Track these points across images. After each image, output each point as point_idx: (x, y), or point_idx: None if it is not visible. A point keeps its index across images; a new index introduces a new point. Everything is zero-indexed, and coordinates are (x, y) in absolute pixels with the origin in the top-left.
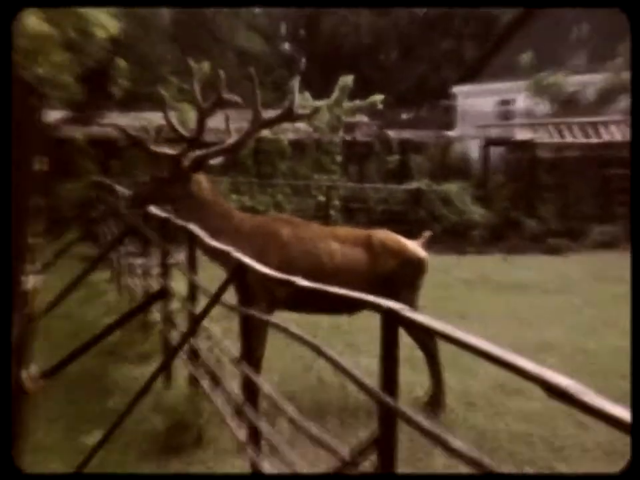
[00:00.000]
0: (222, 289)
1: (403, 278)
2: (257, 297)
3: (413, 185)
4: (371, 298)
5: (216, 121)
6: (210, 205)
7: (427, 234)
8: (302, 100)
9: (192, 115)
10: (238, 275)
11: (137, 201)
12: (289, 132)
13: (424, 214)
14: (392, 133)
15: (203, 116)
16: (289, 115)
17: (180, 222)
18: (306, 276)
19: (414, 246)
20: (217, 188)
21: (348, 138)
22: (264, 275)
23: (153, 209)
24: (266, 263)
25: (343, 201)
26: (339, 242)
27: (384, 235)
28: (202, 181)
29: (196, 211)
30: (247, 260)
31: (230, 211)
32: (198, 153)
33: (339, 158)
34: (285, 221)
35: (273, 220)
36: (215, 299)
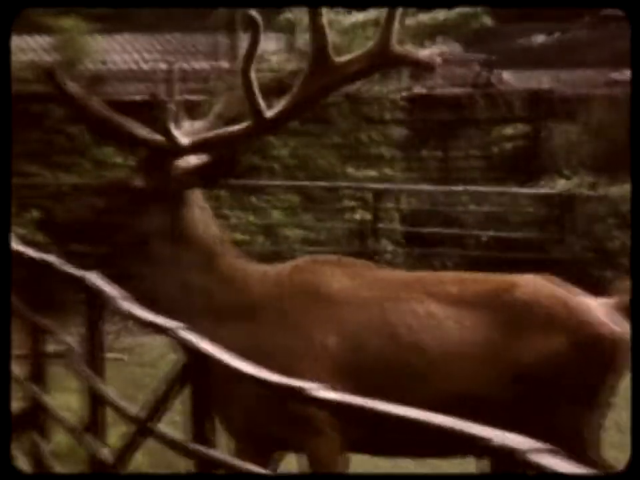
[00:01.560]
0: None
1: (573, 376)
2: (313, 434)
3: (559, 185)
4: (491, 434)
5: None
6: (211, 252)
7: (624, 285)
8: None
9: None
10: (193, 374)
11: (67, 231)
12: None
13: (586, 243)
14: (510, 78)
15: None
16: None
17: (70, 269)
18: (378, 373)
19: (599, 311)
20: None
21: (417, 90)
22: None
23: (18, 246)
24: (308, 354)
25: (407, 220)
26: (440, 302)
27: (535, 285)
28: (200, 204)
29: (182, 262)
30: (206, 346)
31: (242, 262)
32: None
33: (397, 133)
34: (334, 264)
35: (312, 264)
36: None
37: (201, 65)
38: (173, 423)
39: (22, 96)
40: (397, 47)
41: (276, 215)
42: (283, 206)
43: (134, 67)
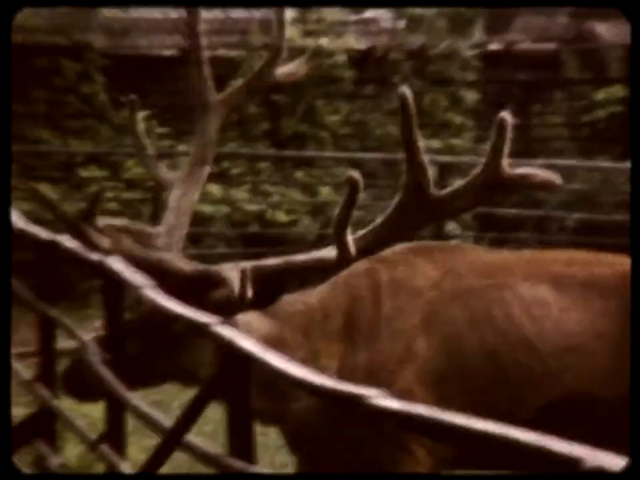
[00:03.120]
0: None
1: None
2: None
3: None
4: (582, 453)
5: None
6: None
7: None
8: None
9: None
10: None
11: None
12: (347, 32)
13: None
14: (605, 31)
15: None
16: None
17: (85, 252)
18: (480, 377)
19: None
20: None
21: (493, 47)
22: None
23: (22, 224)
24: (397, 361)
25: None
26: (556, 287)
27: None
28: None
29: None
30: (248, 345)
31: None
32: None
33: (468, 96)
34: (420, 251)
35: (388, 262)
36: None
37: (238, 14)
38: (203, 434)
39: (26, 48)
40: (508, 170)
41: (325, 192)
42: (334, 182)
43: (159, 16)
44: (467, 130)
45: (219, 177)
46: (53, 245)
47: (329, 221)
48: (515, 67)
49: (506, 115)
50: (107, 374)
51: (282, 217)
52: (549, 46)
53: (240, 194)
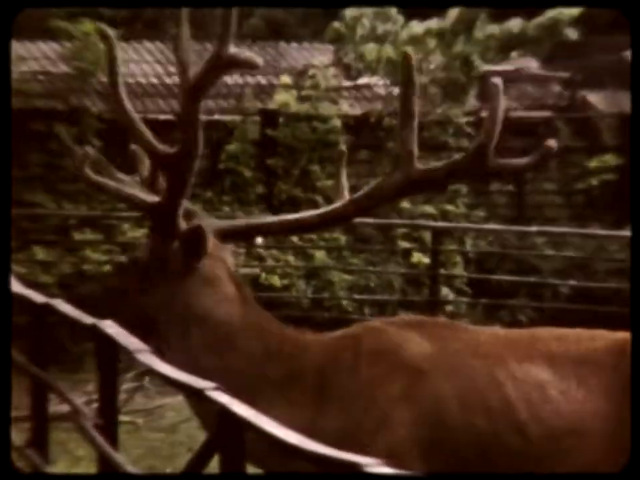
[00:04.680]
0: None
1: None
2: None
3: None
4: None
5: None
6: (242, 320)
7: None
8: (378, 14)
9: None
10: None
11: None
12: (344, 98)
13: None
14: (597, 100)
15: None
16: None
17: (79, 316)
18: (468, 453)
19: None
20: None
21: (486, 114)
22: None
23: (17, 287)
24: (382, 431)
25: (473, 266)
26: (546, 364)
27: None
28: (225, 266)
29: (209, 337)
30: (242, 410)
31: (283, 334)
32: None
33: None
34: (410, 326)
35: (384, 327)
36: None
37: (235, 79)
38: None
39: (24, 112)
40: (493, 159)
41: (319, 257)
42: (328, 246)
43: (155, 80)
44: (460, 196)
45: None
46: (47, 308)
47: (323, 285)
48: (509, 134)
49: (497, 81)
50: (99, 438)
51: (276, 280)
52: (543, 114)
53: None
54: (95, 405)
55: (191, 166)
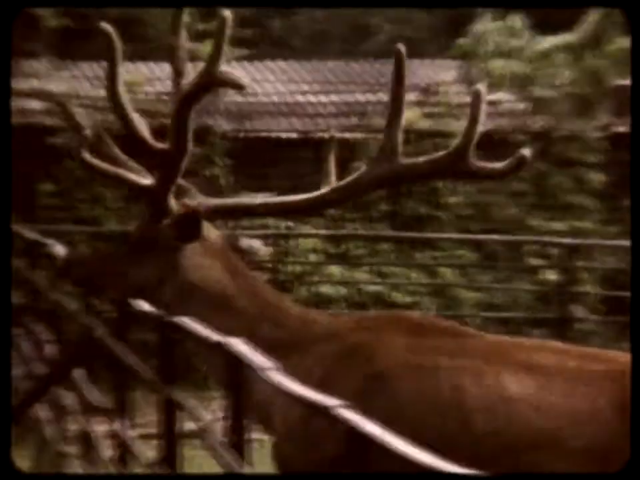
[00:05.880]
0: None
1: None
2: None
3: None
4: None
5: None
6: (241, 292)
7: None
8: (504, 30)
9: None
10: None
11: (78, 276)
12: (465, 115)
13: None
14: None
15: (183, 111)
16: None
17: (204, 332)
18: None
19: None
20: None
21: (620, 128)
22: None
23: (146, 306)
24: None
25: (606, 283)
26: (535, 376)
27: None
28: (216, 240)
29: (206, 303)
30: (373, 429)
31: (282, 305)
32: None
33: (594, 178)
34: (401, 324)
35: (384, 321)
36: None
37: (357, 97)
38: None
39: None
40: (472, 162)
41: (446, 274)
42: (455, 263)
43: (276, 99)
44: (592, 212)
45: (339, 258)
46: (175, 326)
47: (449, 303)
48: None
49: (481, 87)
50: (229, 456)
51: (401, 298)
52: None
53: (360, 275)
54: (222, 422)
55: (181, 160)
